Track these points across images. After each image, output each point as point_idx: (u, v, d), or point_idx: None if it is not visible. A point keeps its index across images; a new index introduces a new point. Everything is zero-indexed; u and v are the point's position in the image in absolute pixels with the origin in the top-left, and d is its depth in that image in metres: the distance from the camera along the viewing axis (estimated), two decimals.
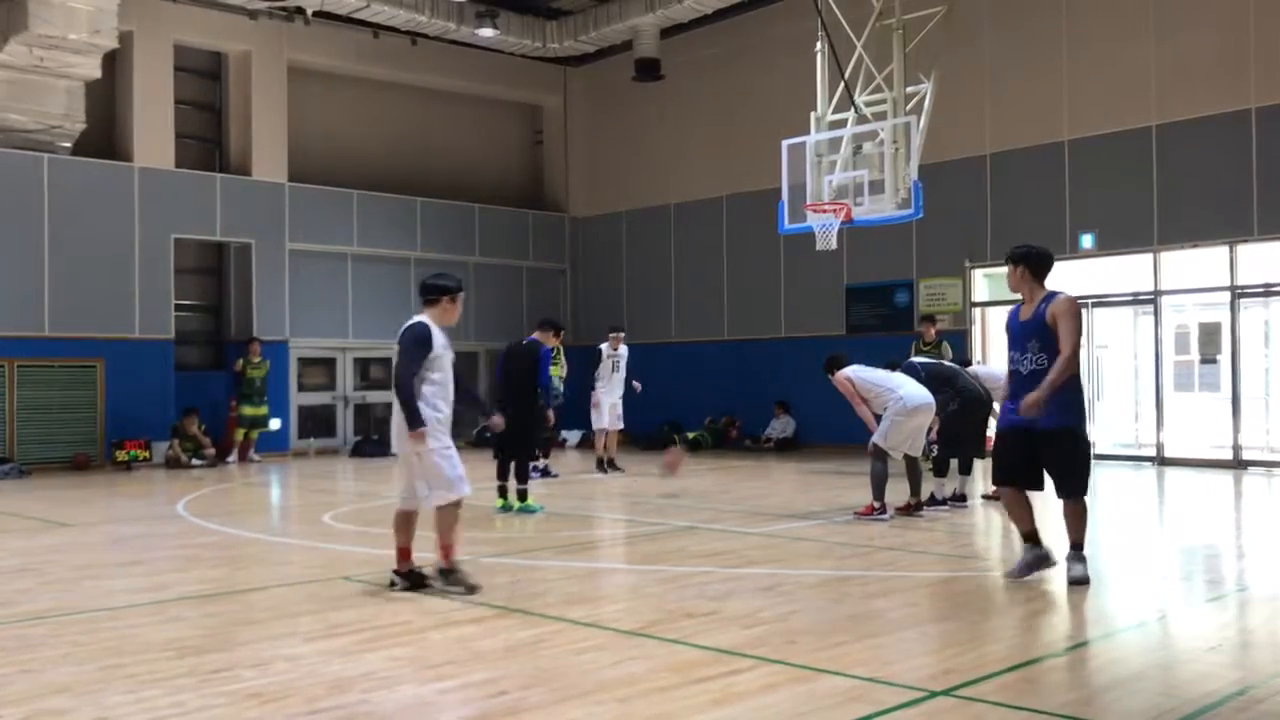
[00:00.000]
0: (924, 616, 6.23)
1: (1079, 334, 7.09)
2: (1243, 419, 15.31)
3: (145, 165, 18.39)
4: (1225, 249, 15.41)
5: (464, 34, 20.51)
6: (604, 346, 15.90)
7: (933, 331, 15.14)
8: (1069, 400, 7.00)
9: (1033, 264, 7.52)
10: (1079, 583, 7.01)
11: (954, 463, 11.26)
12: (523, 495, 11.15)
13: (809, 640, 5.71)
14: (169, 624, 6.24)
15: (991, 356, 17.96)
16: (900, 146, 13.99)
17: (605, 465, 15.52)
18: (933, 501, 10.90)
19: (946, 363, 11.67)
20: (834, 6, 15.15)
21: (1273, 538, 9.75)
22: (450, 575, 6.98)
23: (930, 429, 10.75)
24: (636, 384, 15.83)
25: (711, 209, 21.15)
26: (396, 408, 6.99)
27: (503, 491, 11.28)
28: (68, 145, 17.59)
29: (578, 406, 16.78)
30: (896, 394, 10.39)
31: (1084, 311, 7.22)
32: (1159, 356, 16.17)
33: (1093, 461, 7.10)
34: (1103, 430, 17.03)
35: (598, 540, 9.45)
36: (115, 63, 18.09)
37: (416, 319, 7.19)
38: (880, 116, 14.41)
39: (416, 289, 7.57)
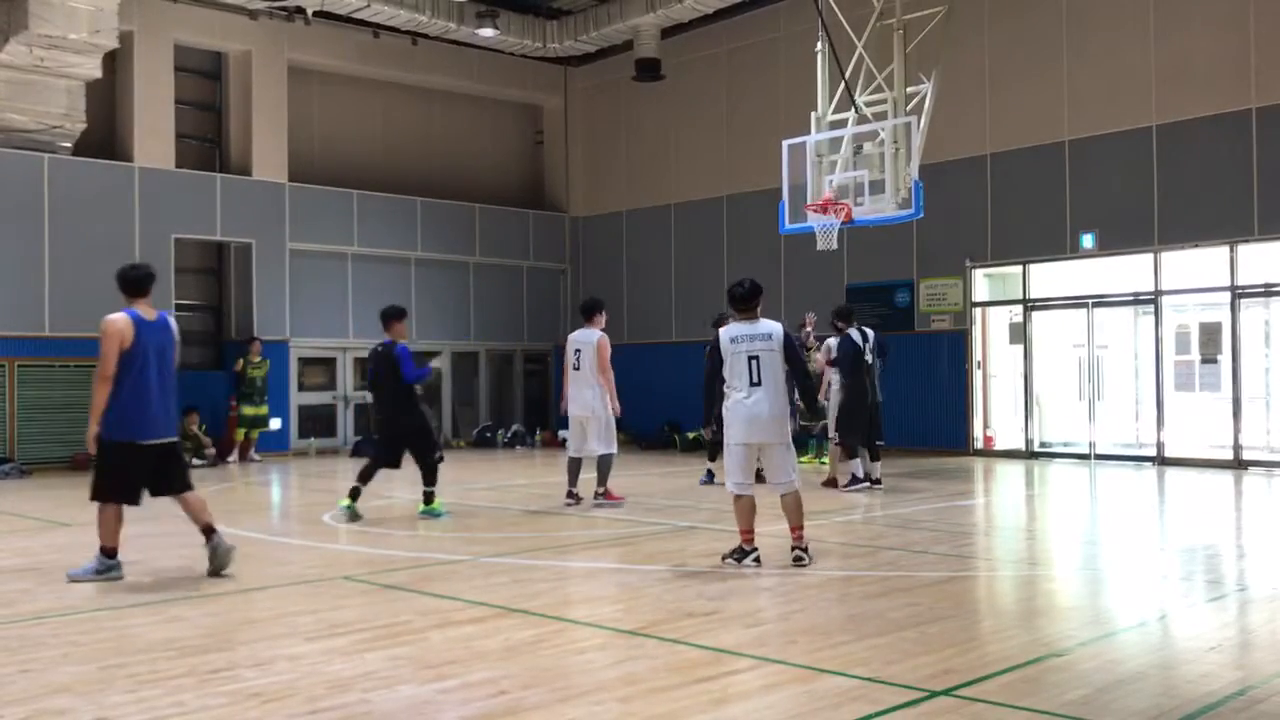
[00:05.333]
0: (924, 616, 6.23)
1: (102, 357, 7.79)
2: (1243, 419, 15.31)
3: (145, 165, 18.40)
4: (1226, 249, 15.41)
5: (464, 34, 20.51)
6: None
7: None
8: (105, 416, 7.57)
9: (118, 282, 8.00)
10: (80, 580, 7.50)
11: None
12: (429, 498, 10.72)
13: (809, 640, 5.71)
14: (169, 624, 6.24)
15: (992, 357, 18.00)
16: (900, 146, 13.99)
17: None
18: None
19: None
20: (834, 6, 15.15)
21: (1273, 538, 9.75)
22: (806, 550, 7.95)
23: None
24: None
25: (711, 209, 21.15)
26: (777, 403, 7.84)
27: (355, 494, 10.53)
28: (68, 145, 17.59)
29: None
30: None
31: (118, 330, 8.10)
32: (1159, 356, 16.17)
33: (106, 475, 7.62)
34: (1103, 430, 17.05)
35: (598, 540, 9.45)
36: (115, 63, 18.10)
37: (778, 323, 8.09)
38: (880, 116, 14.41)
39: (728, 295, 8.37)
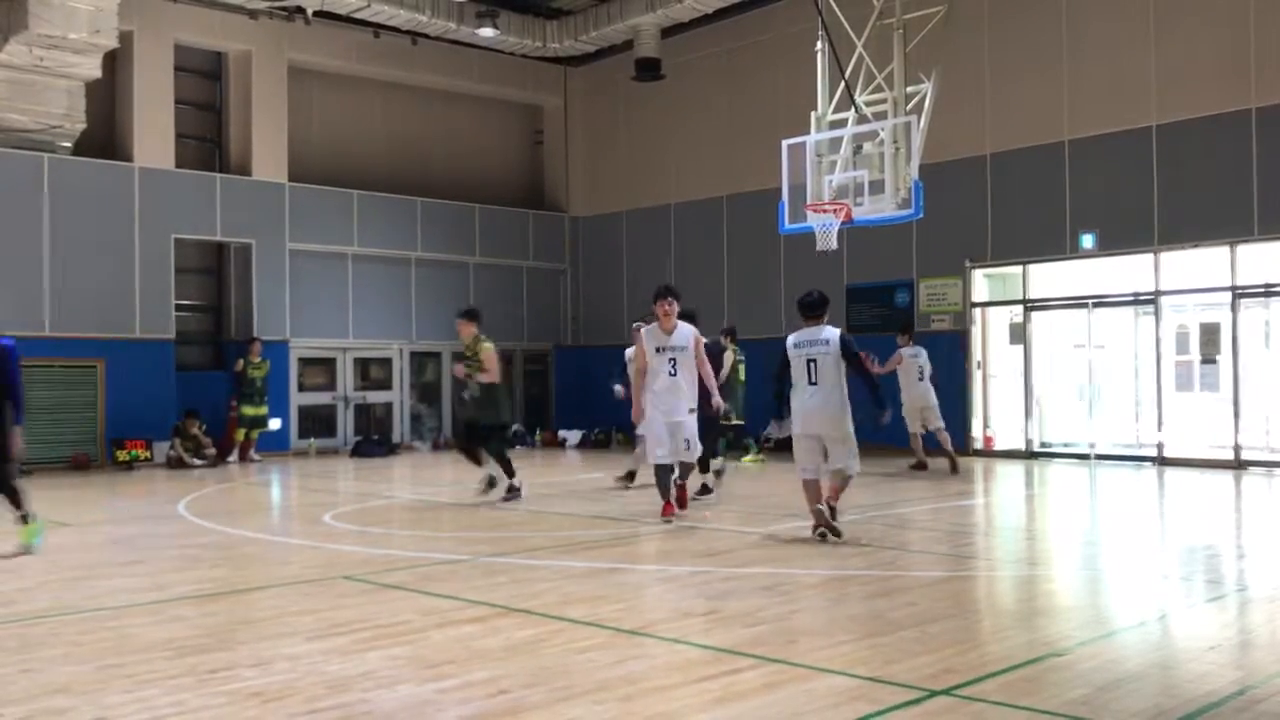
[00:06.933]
0: (924, 616, 6.22)
1: None
2: (1243, 419, 15.31)
3: (145, 165, 18.40)
4: (1226, 249, 15.41)
5: (464, 34, 20.52)
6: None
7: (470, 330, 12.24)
8: None
9: None
10: None
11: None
12: (25, 519, 8.93)
13: (809, 639, 5.71)
14: (169, 623, 6.24)
15: (992, 357, 17.99)
16: (900, 146, 13.99)
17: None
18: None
19: None
20: (834, 6, 15.15)
21: (1273, 538, 9.75)
22: (833, 512, 8.90)
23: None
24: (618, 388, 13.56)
25: (711, 209, 21.15)
26: (831, 401, 8.73)
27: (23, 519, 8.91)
28: (68, 145, 17.59)
29: (573, 404, 16.74)
30: None
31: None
32: (1159, 356, 16.17)
33: None
34: (1103, 430, 17.04)
35: (598, 540, 9.45)
36: (115, 63, 18.10)
37: (837, 329, 8.99)
38: (880, 116, 14.41)
39: (799, 305, 9.32)
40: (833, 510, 8.86)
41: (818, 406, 8.84)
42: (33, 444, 16.92)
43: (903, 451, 15.43)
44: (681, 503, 10.54)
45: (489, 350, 12.00)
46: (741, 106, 20.60)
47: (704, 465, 11.83)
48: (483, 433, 12.12)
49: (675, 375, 10.19)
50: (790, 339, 9.12)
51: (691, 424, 10.30)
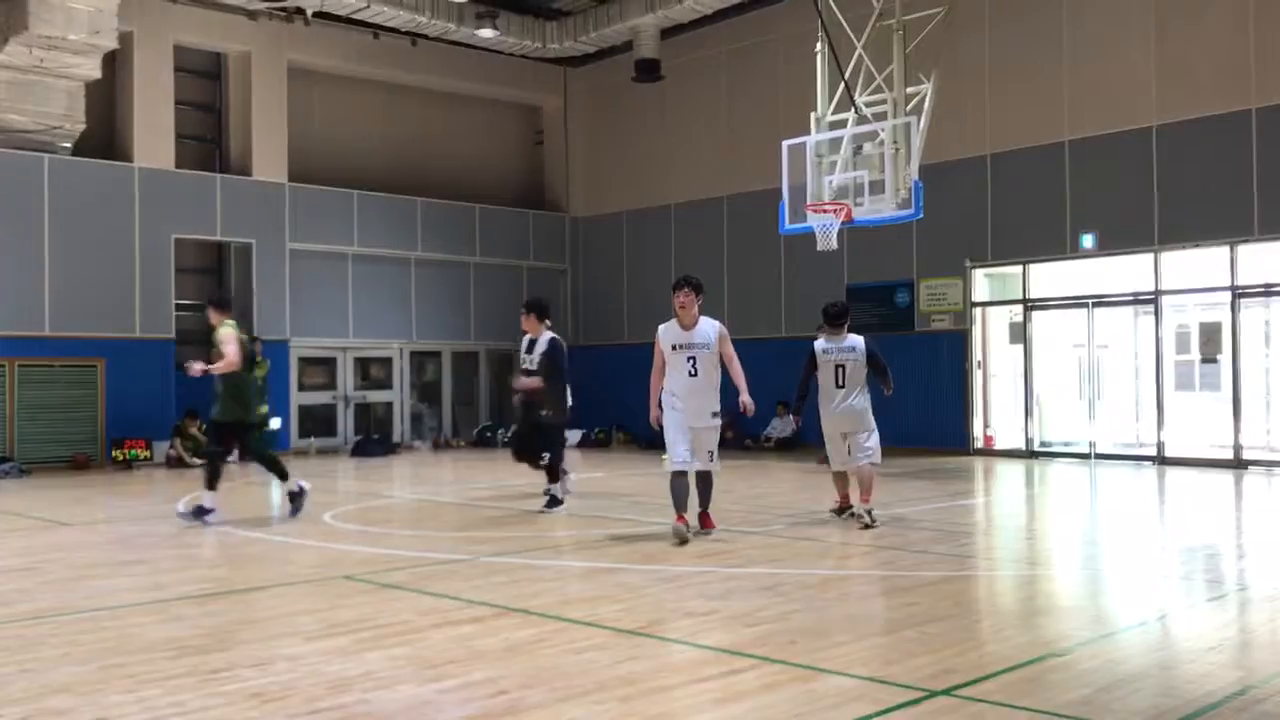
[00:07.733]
0: (924, 616, 6.22)
1: None
2: (1243, 419, 15.31)
3: (145, 165, 18.40)
4: (1226, 249, 15.41)
5: (464, 34, 20.53)
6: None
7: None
8: None
9: None
10: None
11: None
12: None
13: (809, 640, 5.71)
14: (169, 623, 6.24)
15: (992, 357, 17.99)
16: (900, 147, 14.00)
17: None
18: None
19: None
20: (834, 6, 15.16)
21: (1273, 538, 9.75)
22: (870, 514, 9.60)
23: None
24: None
25: (711, 209, 21.15)
26: (858, 401, 9.79)
27: None
28: (68, 145, 17.60)
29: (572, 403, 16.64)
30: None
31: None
32: (1159, 356, 16.17)
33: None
34: (1103, 430, 17.04)
35: (597, 540, 9.45)
36: (115, 63, 18.11)
37: (862, 337, 9.97)
38: (880, 117, 14.42)
39: (824, 313, 10.15)
40: (870, 514, 9.62)
41: (845, 407, 9.84)
42: (33, 444, 17.02)
43: (908, 451, 15.39)
44: (705, 521, 9.25)
45: (228, 332, 10.44)
46: (741, 107, 20.61)
47: (553, 473, 11.09)
48: (230, 432, 10.81)
49: (696, 375, 8.97)
50: (818, 345, 10.00)
51: (716, 432, 9.14)
